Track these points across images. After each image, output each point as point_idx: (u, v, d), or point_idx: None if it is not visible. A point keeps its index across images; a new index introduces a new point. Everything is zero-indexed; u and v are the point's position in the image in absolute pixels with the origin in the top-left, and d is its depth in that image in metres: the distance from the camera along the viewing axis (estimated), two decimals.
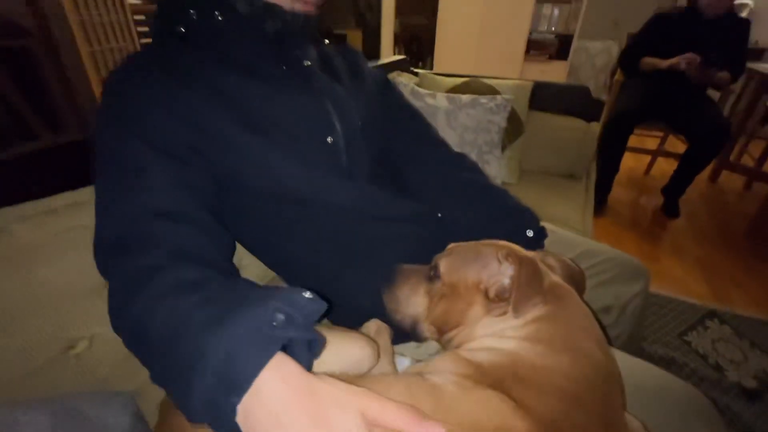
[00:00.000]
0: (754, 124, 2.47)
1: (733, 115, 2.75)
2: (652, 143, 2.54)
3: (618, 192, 2.29)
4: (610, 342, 0.54)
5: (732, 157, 2.46)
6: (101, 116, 0.47)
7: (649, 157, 2.56)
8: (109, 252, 0.41)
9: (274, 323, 0.28)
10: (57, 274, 0.46)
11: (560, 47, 3.61)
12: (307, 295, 0.32)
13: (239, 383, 0.27)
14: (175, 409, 0.42)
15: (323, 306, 0.32)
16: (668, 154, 2.35)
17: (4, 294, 0.42)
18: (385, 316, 0.52)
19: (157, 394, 0.53)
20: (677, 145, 1.97)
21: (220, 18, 0.52)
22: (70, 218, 0.50)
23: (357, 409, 0.27)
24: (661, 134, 2.31)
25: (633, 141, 2.53)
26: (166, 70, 0.49)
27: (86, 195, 0.54)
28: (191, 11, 0.52)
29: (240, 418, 0.27)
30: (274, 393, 0.27)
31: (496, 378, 0.37)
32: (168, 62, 0.50)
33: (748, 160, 2.43)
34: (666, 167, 2.32)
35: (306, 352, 0.31)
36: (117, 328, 0.39)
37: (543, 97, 1.38)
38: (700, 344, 1.25)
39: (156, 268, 0.37)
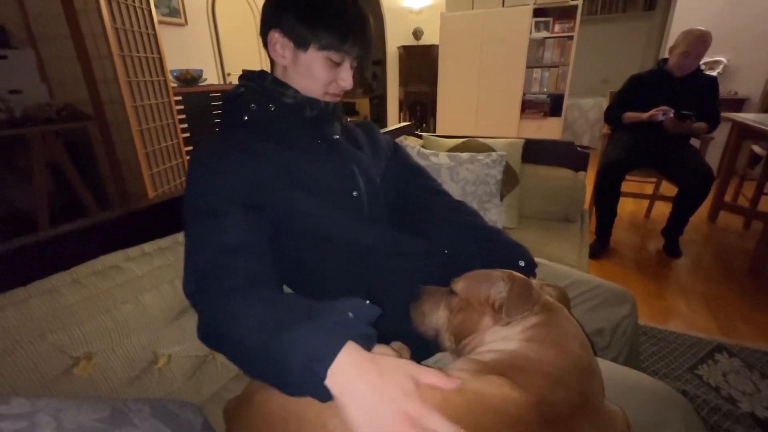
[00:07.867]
0: (744, 167, 2.62)
1: (723, 159, 2.91)
2: (650, 188, 2.67)
3: (621, 235, 2.38)
4: (594, 350, 0.64)
5: (728, 198, 2.58)
6: (191, 181, 0.63)
7: (647, 201, 2.70)
8: (198, 280, 0.55)
9: (347, 320, 0.44)
10: (156, 301, 0.60)
11: (553, 105, 3.89)
12: (367, 302, 0.47)
13: (327, 357, 0.41)
14: (238, 415, 0.53)
15: (378, 310, 0.47)
16: (664, 198, 2.47)
17: (121, 314, 0.55)
18: (402, 337, 0.63)
19: (215, 408, 0.64)
20: (672, 189, 2.08)
21: (272, 109, 0.70)
22: (160, 259, 0.65)
23: (406, 370, 0.42)
24: (655, 180, 2.46)
25: (632, 187, 2.68)
26: (235, 147, 0.65)
27: (169, 241, 0.69)
28: (252, 105, 0.71)
29: (329, 381, 0.41)
30: (350, 361, 0.41)
31: (497, 369, 0.48)
32: (236, 141, 0.66)
33: (744, 201, 2.54)
34: (665, 210, 2.42)
35: (365, 342, 0.45)
36: (206, 338, 0.52)
37: (534, 152, 1.56)
38: (712, 377, 1.28)
39: (236, 289, 0.51)
